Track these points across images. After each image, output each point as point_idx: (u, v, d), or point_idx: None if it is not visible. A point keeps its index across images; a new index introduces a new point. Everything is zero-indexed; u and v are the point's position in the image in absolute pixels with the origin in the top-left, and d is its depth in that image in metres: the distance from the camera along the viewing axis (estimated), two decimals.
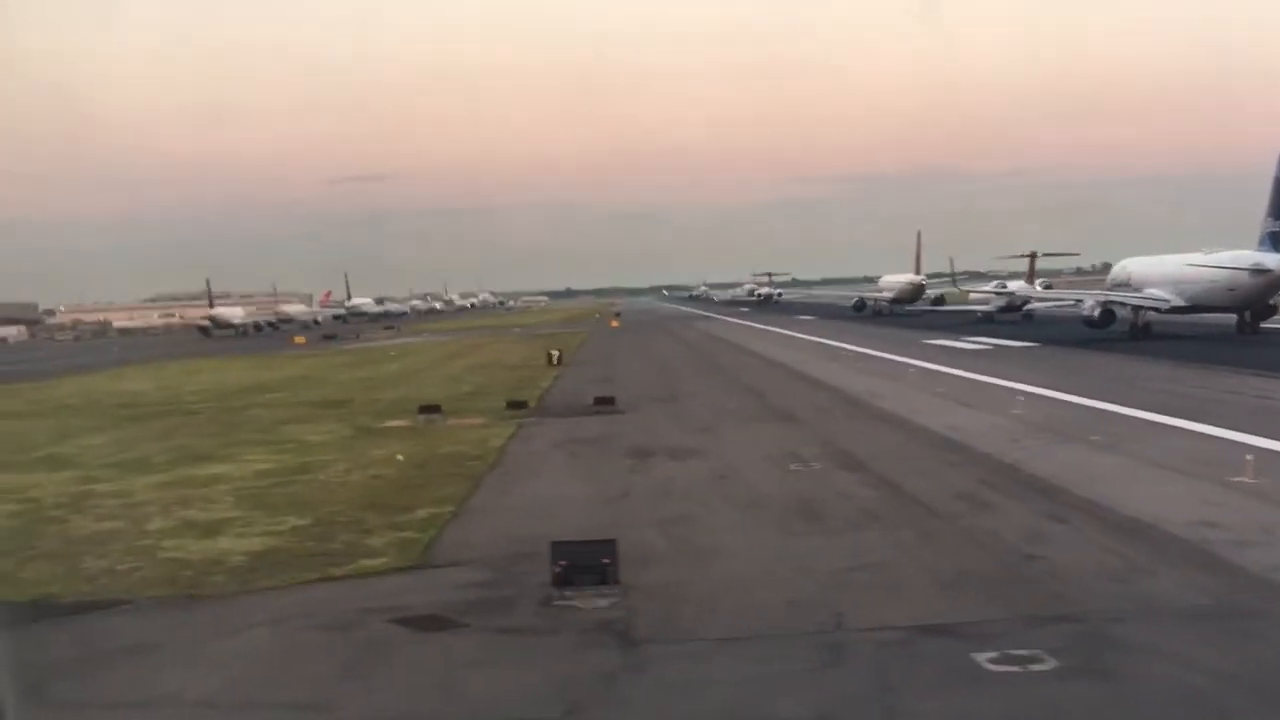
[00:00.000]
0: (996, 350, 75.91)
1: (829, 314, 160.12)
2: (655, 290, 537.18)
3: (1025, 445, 34.79)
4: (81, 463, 41.66)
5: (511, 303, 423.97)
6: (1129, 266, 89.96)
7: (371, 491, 32.71)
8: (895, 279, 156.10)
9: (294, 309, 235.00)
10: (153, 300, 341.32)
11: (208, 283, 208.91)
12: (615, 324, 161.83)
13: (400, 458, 39.39)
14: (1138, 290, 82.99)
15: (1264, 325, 78.72)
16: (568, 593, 20.26)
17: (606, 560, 20.51)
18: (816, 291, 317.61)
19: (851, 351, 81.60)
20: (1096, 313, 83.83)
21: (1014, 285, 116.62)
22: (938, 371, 60.97)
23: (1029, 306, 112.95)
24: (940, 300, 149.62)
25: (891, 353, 76.04)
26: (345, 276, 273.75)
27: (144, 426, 54.05)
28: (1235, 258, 76.48)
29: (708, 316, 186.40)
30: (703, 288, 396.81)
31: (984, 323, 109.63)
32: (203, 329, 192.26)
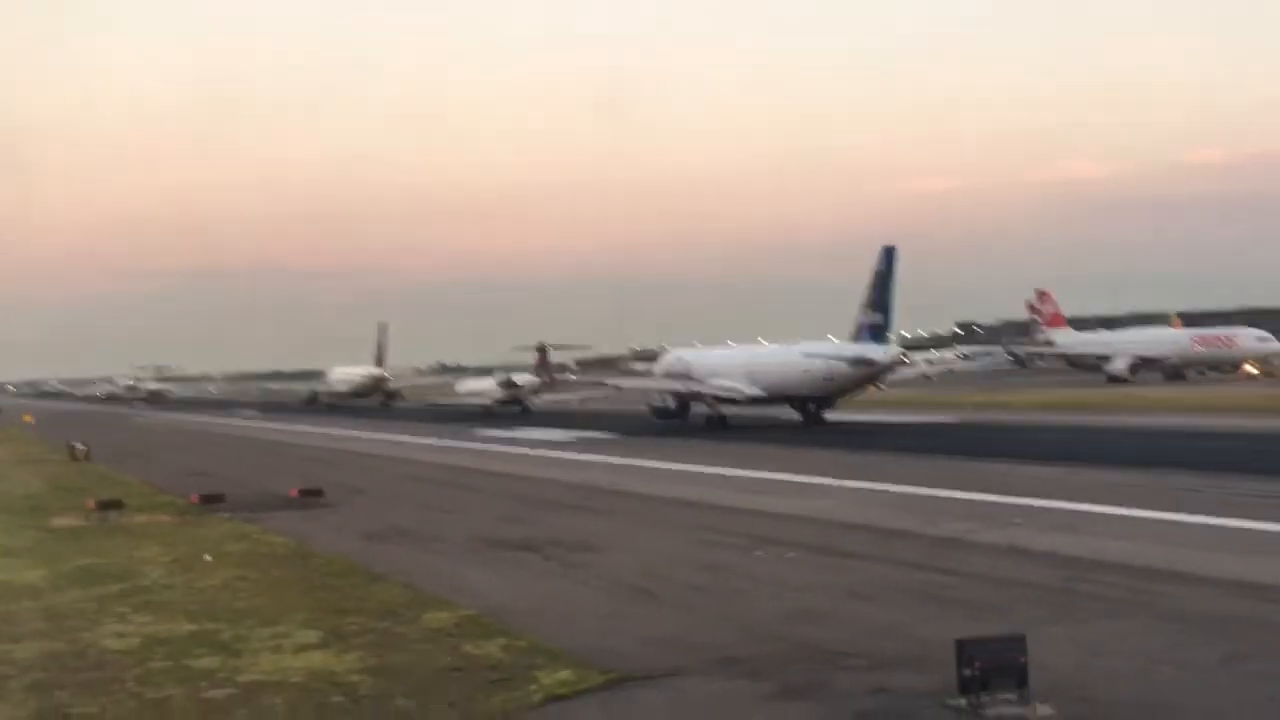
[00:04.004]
0: (607, 441, 74.14)
1: (273, 409, 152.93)
2: None
3: None
4: None
5: None
6: (685, 357, 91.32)
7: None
8: (350, 371, 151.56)
9: None
10: None
11: None
12: (29, 419, 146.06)
13: (208, 558, 32.71)
14: (700, 381, 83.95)
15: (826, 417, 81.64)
16: (985, 698, 16.75)
17: (1022, 659, 17.18)
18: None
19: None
20: (672, 403, 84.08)
21: (520, 378, 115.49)
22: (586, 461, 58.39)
23: (531, 401, 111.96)
24: (397, 394, 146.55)
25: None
26: None
27: None
28: (838, 349, 79.31)
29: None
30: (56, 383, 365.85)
31: (486, 416, 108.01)
32: None
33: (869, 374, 77.92)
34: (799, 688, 18.14)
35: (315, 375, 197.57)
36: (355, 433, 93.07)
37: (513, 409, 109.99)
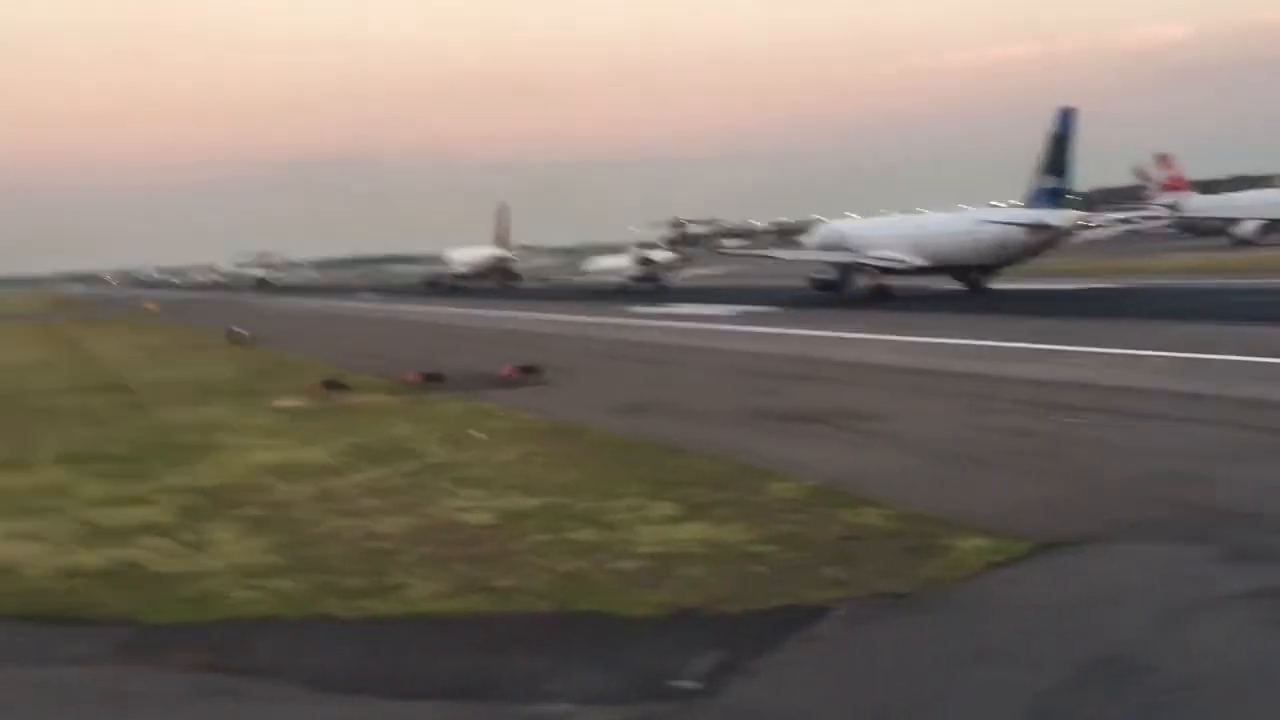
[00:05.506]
0: (774, 314, 73.10)
1: (398, 291, 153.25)
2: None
3: None
4: None
5: None
6: (842, 228, 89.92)
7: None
8: (472, 252, 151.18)
9: None
10: None
11: None
12: (153, 307, 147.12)
13: (477, 434, 32.21)
14: (861, 252, 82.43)
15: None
16: None
17: None
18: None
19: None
20: (832, 275, 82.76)
21: (657, 254, 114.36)
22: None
23: (668, 278, 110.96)
24: (518, 275, 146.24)
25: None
26: None
27: None
28: (1012, 215, 77.58)
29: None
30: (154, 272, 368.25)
31: (621, 294, 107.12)
32: None
33: (1045, 240, 76.06)
34: (1254, 551, 17.19)
35: (409, 260, 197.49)
36: (500, 312, 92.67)
37: (647, 286, 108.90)
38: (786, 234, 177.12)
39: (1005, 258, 77.68)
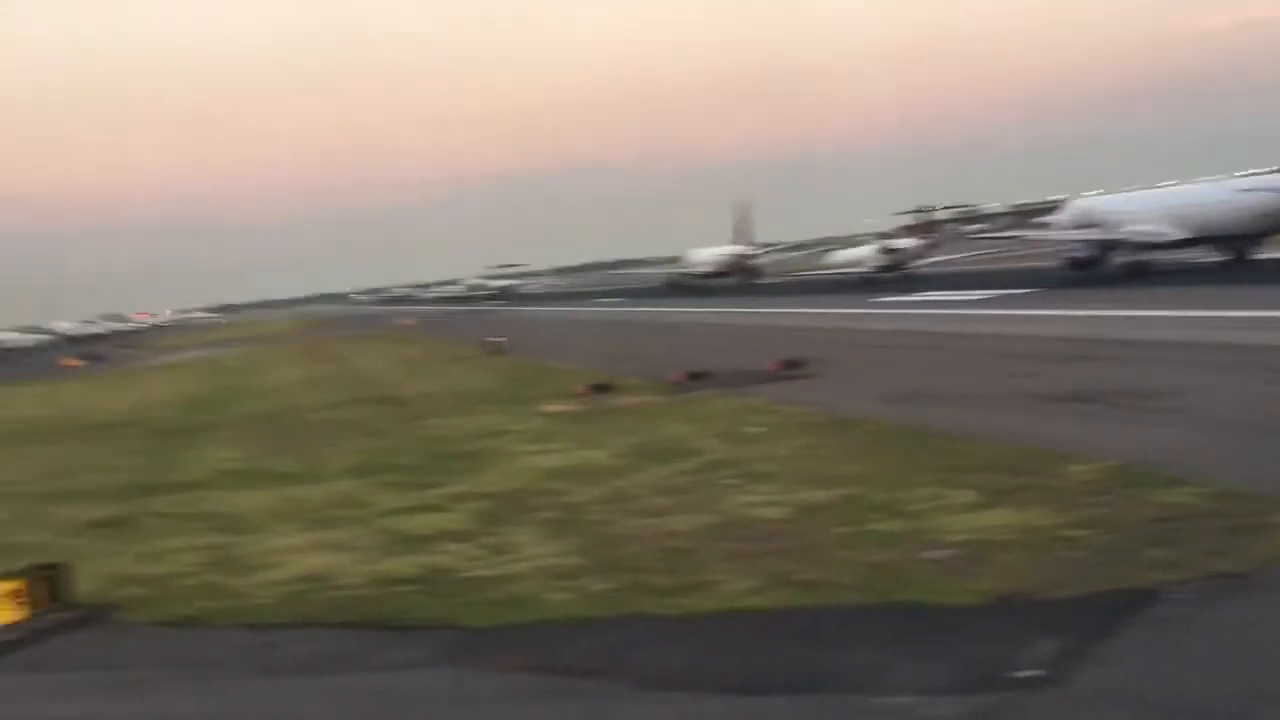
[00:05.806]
0: (1029, 296, 71.38)
1: (640, 294, 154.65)
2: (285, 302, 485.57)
3: None
4: None
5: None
6: (1094, 205, 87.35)
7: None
8: (712, 251, 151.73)
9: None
10: None
11: None
12: (408, 322, 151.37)
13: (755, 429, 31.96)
14: (1115, 228, 79.77)
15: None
16: None
17: None
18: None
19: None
20: (1086, 253, 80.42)
21: (902, 243, 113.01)
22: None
23: (913, 266, 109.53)
24: (758, 271, 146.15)
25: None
26: None
27: None
28: (1275, 181, 74.28)
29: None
30: (404, 289, 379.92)
31: (865, 285, 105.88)
32: None
33: None
34: None
35: (649, 263, 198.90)
36: (747, 309, 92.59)
37: (892, 275, 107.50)
38: (1026, 215, 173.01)
39: (1271, 226, 74.13)
